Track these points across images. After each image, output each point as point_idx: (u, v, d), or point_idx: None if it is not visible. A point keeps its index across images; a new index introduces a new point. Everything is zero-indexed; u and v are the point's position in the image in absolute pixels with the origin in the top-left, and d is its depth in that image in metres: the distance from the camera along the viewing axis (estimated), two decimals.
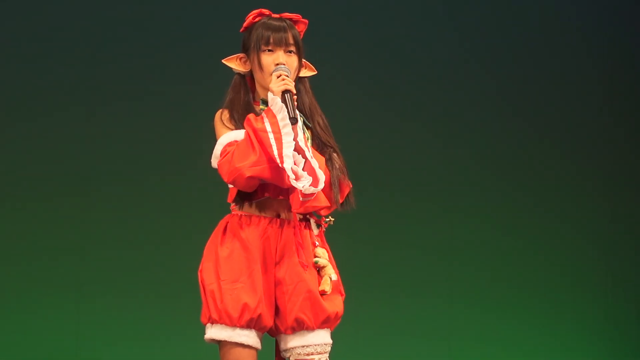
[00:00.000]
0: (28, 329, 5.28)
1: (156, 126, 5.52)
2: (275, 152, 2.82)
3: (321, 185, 2.85)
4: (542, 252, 6.00)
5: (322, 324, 2.96)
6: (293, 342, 2.95)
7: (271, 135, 2.84)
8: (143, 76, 5.53)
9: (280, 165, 2.81)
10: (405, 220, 5.83)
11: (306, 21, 3.08)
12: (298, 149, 2.86)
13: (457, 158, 5.94)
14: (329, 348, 2.99)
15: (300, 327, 2.94)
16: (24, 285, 5.30)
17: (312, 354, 2.95)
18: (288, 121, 2.85)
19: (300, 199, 2.86)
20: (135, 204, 5.47)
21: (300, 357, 2.95)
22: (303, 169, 2.84)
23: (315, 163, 2.87)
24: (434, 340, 5.76)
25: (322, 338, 2.97)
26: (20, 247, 5.32)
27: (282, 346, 2.99)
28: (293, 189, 2.87)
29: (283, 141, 2.83)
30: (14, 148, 5.38)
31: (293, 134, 2.86)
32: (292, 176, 2.81)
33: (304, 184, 2.82)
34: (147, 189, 5.50)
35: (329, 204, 2.96)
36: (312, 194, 2.86)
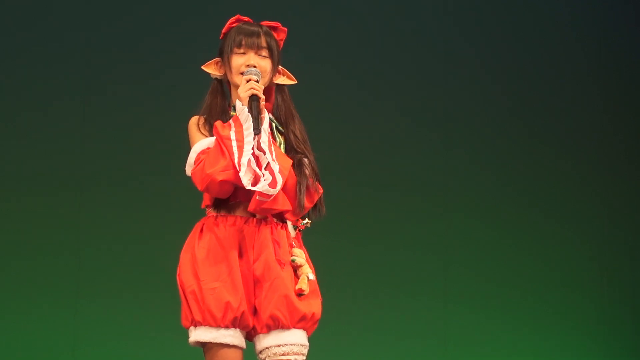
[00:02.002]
0: (24, 329, 5.28)
1: (156, 125, 5.53)
2: (236, 160, 2.84)
3: (278, 187, 2.84)
4: (538, 252, 5.99)
5: (298, 323, 2.91)
6: (267, 341, 2.90)
7: (234, 144, 2.85)
8: (140, 77, 5.56)
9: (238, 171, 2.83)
10: (401, 219, 5.82)
11: (285, 29, 3.08)
12: (261, 149, 2.87)
13: (453, 158, 5.94)
14: (306, 350, 2.93)
15: (275, 324, 2.89)
16: (20, 285, 5.31)
17: (287, 353, 2.88)
18: (252, 131, 2.87)
19: (257, 197, 2.85)
20: (133, 203, 5.48)
21: (275, 358, 2.89)
22: (265, 169, 2.85)
23: (275, 166, 2.87)
24: (430, 340, 5.75)
25: (298, 338, 2.91)
26: (16, 246, 5.34)
27: (258, 347, 2.93)
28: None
29: (244, 149, 2.85)
30: (10, 147, 5.40)
31: (254, 143, 2.87)
32: (246, 184, 2.82)
33: (263, 185, 2.82)
34: (145, 188, 5.50)
35: (289, 208, 2.93)
36: (268, 195, 2.84)
